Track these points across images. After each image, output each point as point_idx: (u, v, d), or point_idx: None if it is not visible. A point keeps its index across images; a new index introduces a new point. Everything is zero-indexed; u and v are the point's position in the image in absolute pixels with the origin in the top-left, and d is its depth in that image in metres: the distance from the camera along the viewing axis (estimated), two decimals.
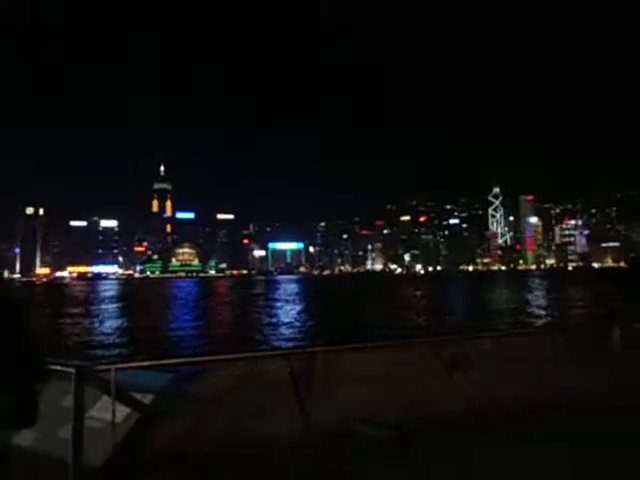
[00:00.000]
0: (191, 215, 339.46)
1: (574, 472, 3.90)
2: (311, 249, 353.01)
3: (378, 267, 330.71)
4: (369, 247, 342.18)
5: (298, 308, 44.48)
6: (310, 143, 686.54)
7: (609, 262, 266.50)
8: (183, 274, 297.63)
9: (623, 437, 4.43)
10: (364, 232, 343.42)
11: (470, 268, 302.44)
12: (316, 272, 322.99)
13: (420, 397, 5.06)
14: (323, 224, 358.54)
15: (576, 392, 5.54)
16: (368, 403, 4.88)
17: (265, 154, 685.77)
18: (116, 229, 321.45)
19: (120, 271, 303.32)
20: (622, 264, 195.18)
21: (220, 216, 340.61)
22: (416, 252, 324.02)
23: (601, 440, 4.41)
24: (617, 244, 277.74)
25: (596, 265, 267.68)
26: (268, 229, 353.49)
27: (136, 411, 4.12)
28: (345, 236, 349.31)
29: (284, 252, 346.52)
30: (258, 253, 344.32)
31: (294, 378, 4.87)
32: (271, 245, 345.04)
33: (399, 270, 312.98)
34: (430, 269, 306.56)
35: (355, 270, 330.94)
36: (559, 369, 5.85)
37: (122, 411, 4.00)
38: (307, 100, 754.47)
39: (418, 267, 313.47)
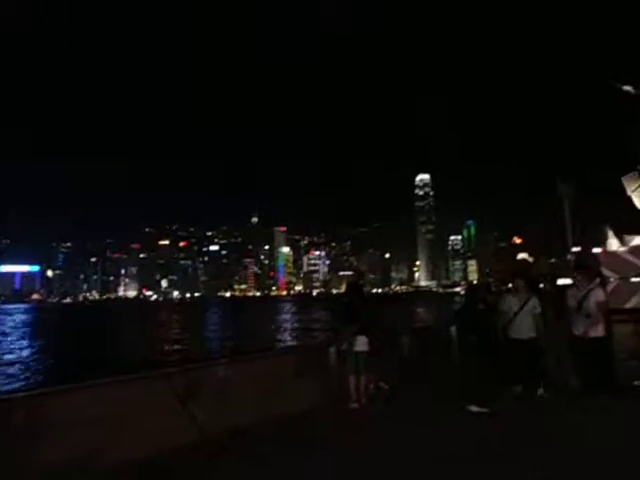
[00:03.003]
0: None
1: None
2: (49, 273, 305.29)
3: (132, 293, 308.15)
4: (122, 272, 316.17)
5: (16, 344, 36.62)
6: (46, 149, 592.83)
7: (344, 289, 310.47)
8: None
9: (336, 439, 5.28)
10: (117, 255, 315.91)
11: (228, 294, 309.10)
12: (54, 300, 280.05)
13: (149, 433, 4.77)
14: (68, 244, 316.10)
15: (302, 406, 6.35)
16: (84, 450, 4.30)
17: None
18: None
19: None
20: None
21: None
22: (174, 277, 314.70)
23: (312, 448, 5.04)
24: (351, 273, 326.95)
25: (335, 291, 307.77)
26: None
27: None
28: (94, 259, 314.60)
29: (12, 276, 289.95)
30: None
31: None
32: None
33: (155, 296, 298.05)
34: (188, 295, 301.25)
35: (104, 297, 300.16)
36: (290, 386, 6.50)
37: None
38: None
39: (175, 293, 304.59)
